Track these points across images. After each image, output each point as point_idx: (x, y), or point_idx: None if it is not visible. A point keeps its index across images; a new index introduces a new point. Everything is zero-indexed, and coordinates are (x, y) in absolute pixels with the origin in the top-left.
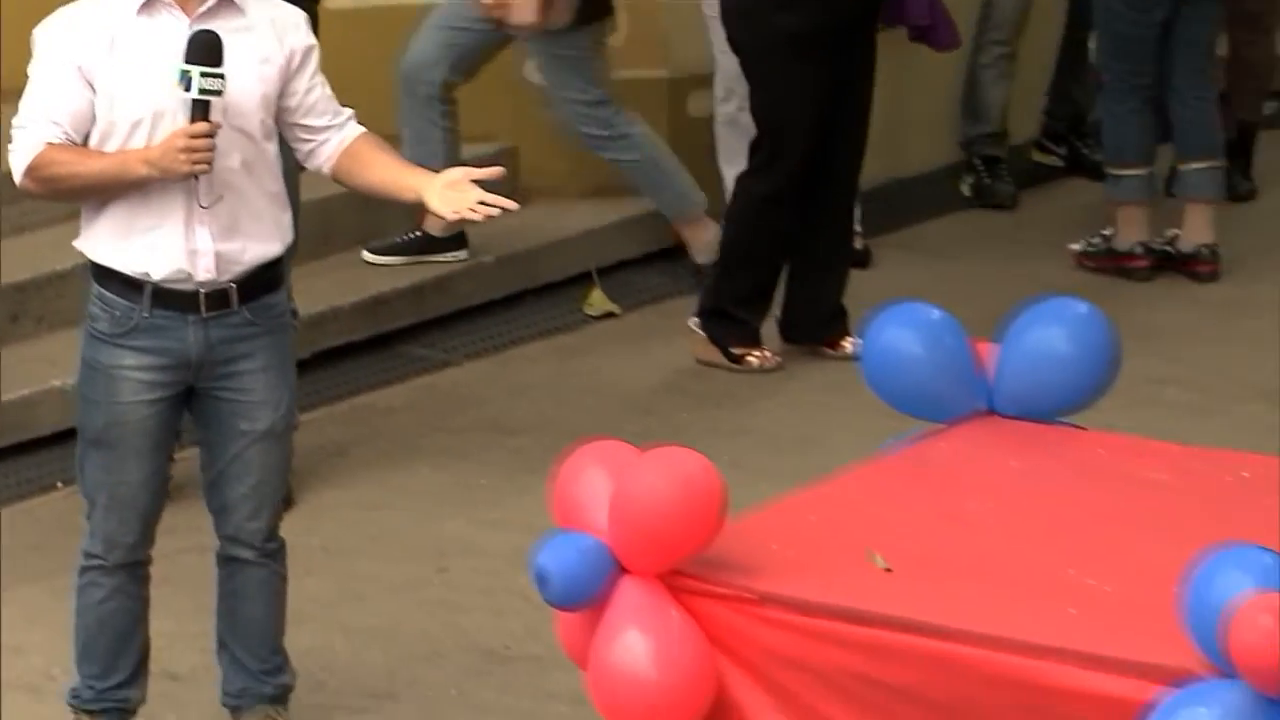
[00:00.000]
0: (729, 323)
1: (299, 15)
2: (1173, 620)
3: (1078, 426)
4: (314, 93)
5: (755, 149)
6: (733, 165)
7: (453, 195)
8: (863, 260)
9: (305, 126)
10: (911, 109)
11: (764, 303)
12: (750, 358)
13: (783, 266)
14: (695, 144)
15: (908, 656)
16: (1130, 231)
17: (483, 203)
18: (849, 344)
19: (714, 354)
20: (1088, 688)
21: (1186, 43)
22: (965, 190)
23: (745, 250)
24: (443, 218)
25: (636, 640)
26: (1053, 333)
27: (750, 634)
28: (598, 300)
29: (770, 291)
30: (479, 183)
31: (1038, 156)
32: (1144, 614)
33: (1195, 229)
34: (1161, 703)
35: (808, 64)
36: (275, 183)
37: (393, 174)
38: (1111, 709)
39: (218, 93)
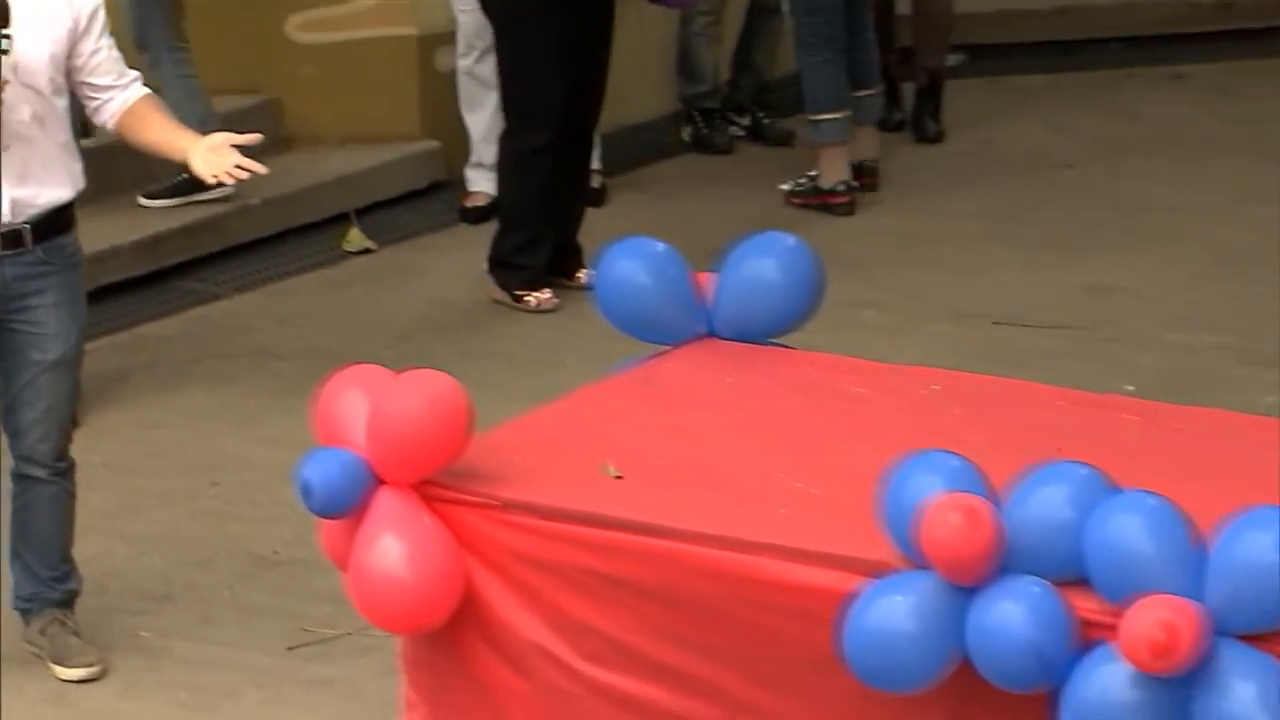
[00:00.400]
0: (511, 269)
1: None
2: (872, 519)
3: (787, 347)
4: (100, 54)
5: (508, 108)
6: (474, 113)
7: (213, 158)
8: (597, 200)
9: (91, 85)
10: (636, 62)
11: (540, 247)
12: (529, 298)
13: (551, 211)
14: (442, 96)
15: (636, 555)
16: (833, 171)
17: (239, 166)
18: (584, 275)
19: (503, 296)
20: (797, 580)
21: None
22: (686, 138)
23: (517, 201)
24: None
25: (391, 544)
26: (764, 263)
27: (496, 537)
28: (355, 238)
29: (545, 236)
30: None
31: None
32: (847, 513)
33: (863, 146)
34: (862, 592)
35: (553, 25)
36: (65, 134)
37: (166, 135)
38: (818, 598)
39: (4, 52)
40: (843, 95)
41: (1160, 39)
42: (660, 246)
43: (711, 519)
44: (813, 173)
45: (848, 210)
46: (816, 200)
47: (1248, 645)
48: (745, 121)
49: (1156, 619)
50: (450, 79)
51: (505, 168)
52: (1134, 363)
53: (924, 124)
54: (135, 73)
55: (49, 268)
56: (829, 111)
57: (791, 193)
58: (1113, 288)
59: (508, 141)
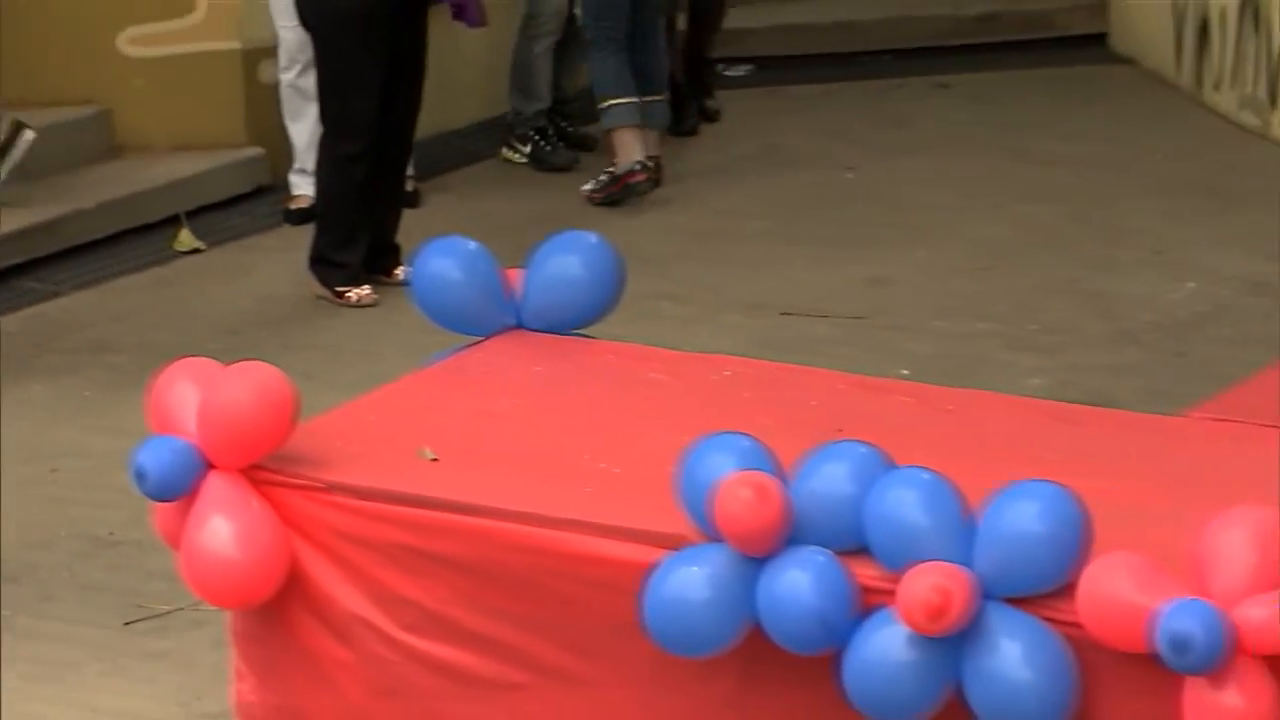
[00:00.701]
0: (331, 267)
1: None
2: (670, 495)
3: (591, 337)
4: None
5: (326, 117)
6: (296, 123)
7: None
8: (413, 202)
9: None
10: (451, 74)
11: (357, 246)
12: (350, 294)
13: (368, 213)
14: (266, 106)
15: (450, 531)
16: (627, 153)
17: None
18: (401, 272)
19: (325, 292)
20: (601, 552)
21: (648, 4)
22: (520, 159)
23: (334, 203)
24: None
25: (220, 525)
26: (568, 260)
27: (319, 517)
28: (185, 239)
29: (361, 235)
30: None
31: (504, 155)
32: (647, 490)
33: (648, 146)
34: (661, 563)
35: (368, 40)
36: None
37: None
38: (621, 570)
39: None
40: (629, 82)
41: (928, 51)
42: (472, 245)
43: (521, 497)
44: (611, 167)
45: (648, 187)
46: (617, 186)
47: (1013, 607)
48: (527, 150)
49: (930, 584)
50: (273, 90)
51: (323, 172)
52: (909, 349)
53: (705, 107)
54: None
55: None
56: (617, 96)
57: (593, 190)
58: (889, 280)
59: (326, 148)
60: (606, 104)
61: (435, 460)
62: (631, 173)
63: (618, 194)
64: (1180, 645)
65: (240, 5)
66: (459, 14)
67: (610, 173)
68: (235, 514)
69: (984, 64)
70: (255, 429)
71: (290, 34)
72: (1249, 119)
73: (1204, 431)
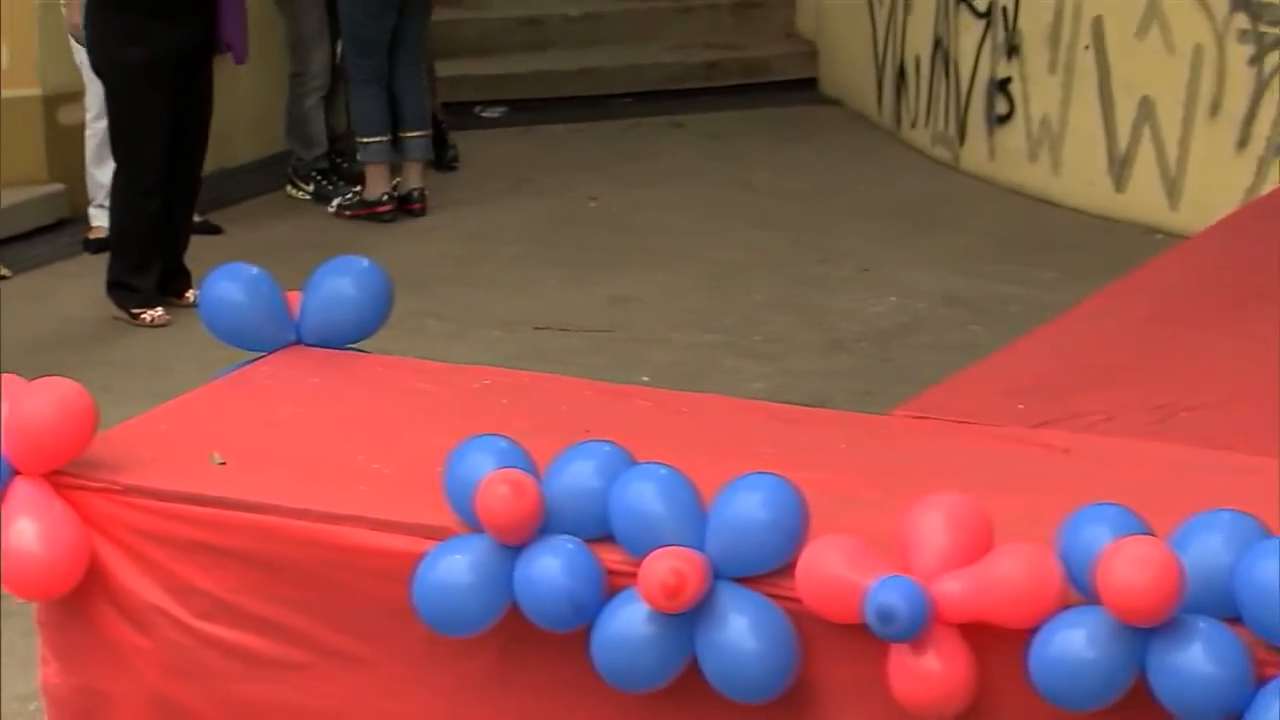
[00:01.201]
0: (126, 290)
1: None
2: (437, 492)
3: (364, 352)
4: None
5: (119, 156)
6: (99, 167)
7: None
8: (206, 230)
9: None
10: (236, 115)
11: (150, 271)
12: (144, 316)
13: (159, 241)
14: (66, 147)
15: (237, 528)
16: (376, 185)
17: None
18: (191, 295)
19: (121, 314)
20: (375, 544)
21: (406, 43)
22: (303, 196)
23: (127, 233)
24: None
25: (25, 526)
26: (343, 282)
27: (117, 517)
28: None
29: (153, 262)
30: None
31: (290, 193)
32: (416, 488)
33: (411, 179)
34: (429, 553)
35: (156, 87)
36: None
37: None
38: (394, 559)
39: None
40: (386, 121)
41: (663, 94)
42: (254, 270)
43: (302, 496)
44: (358, 188)
45: (391, 217)
46: (365, 212)
47: (741, 586)
48: (310, 188)
49: (668, 567)
50: (73, 131)
51: (117, 206)
52: (648, 358)
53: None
54: None
55: None
56: (373, 135)
57: (341, 207)
58: (630, 298)
59: (119, 183)
60: (364, 141)
61: (223, 464)
62: (379, 204)
63: (364, 217)
64: (886, 616)
65: (40, 55)
66: (229, 49)
67: (359, 195)
68: (38, 515)
69: (712, 105)
70: (56, 438)
71: (97, 85)
72: (941, 153)
73: (906, 428)
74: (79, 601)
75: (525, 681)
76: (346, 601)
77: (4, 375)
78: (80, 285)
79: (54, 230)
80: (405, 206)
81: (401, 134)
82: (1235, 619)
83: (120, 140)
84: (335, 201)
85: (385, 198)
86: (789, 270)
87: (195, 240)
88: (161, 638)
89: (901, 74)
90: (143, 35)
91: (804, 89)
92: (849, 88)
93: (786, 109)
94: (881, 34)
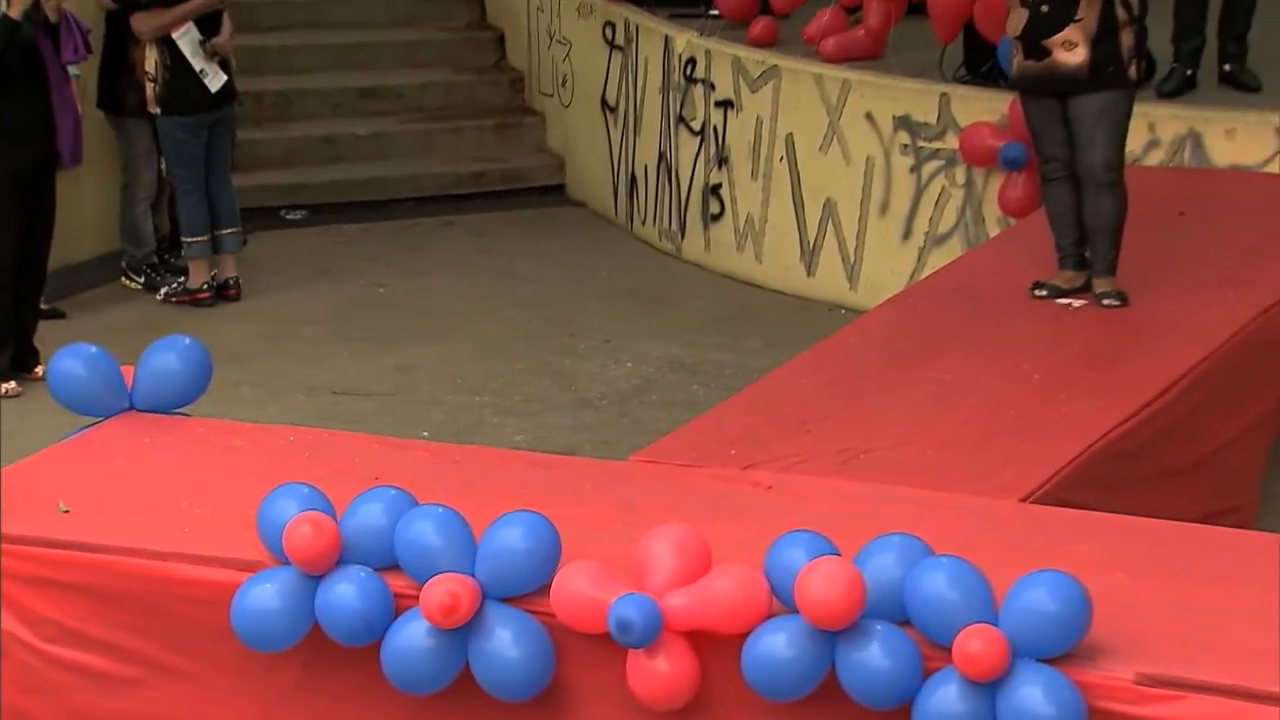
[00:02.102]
0: None
1: None
2: (252, 532)
3: (187, 415)
4: None
5: None
6: None
7: None
8: (52, 315)
9: None
10: (75, 218)
11: (2, 352)
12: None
13: (11, 327)
14: None
15: (80, 565)
16: (198, 276)
17: None
18: (40, 370)
19: None
20: (198, 577)
21: (218, 157)
22: (137, 286)
23: None
24: None
25: None
26: (169, 356)
27: None
28: None
29: (5, 344)
30: None
31: (124, 284)
32: (233, 528)
33: (227, 269)
34: (244, 582)
35: (8, 198)
36: None
37: None
38: (214, 589)
39: None
40: (206, 223)
41: (438, 198)
42: (93, 348)
43: (134, 536)
44: (183, 279)
45: (210, 303)
46: (189, 299)
47: (506, 605)
48: (141, 280)
49: (444, 590)
50: None
51: None
52: (427, 417)
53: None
54: None
55: None
56: (196, 235)
57: (168, 295)
58: (412, 366)
59: None
60: (188, 240)
61: (68, 512)
62: (200, 291)
63: (188, 303)
64: (624, 627)
65: None
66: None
67: (184, 286)
68: None
69: (479, 208)
70: None
71: None
72: (666, 245)
73: (641, 471)
74: None
75: (326, 689)
76: (173, 625)
77: None
78: None
79: None
80: (223, 293)
81: (218, 232)
82: (906, 622)
83: None
84: (163, 290)
85: (205, 286)
86: (543, 342)
87: (42, 324)
88: (16, 660)
89: (633, 181)
90: None
91: (554, 194)
92: (591, 192)
93: (540, 210)
94: (616, 149)
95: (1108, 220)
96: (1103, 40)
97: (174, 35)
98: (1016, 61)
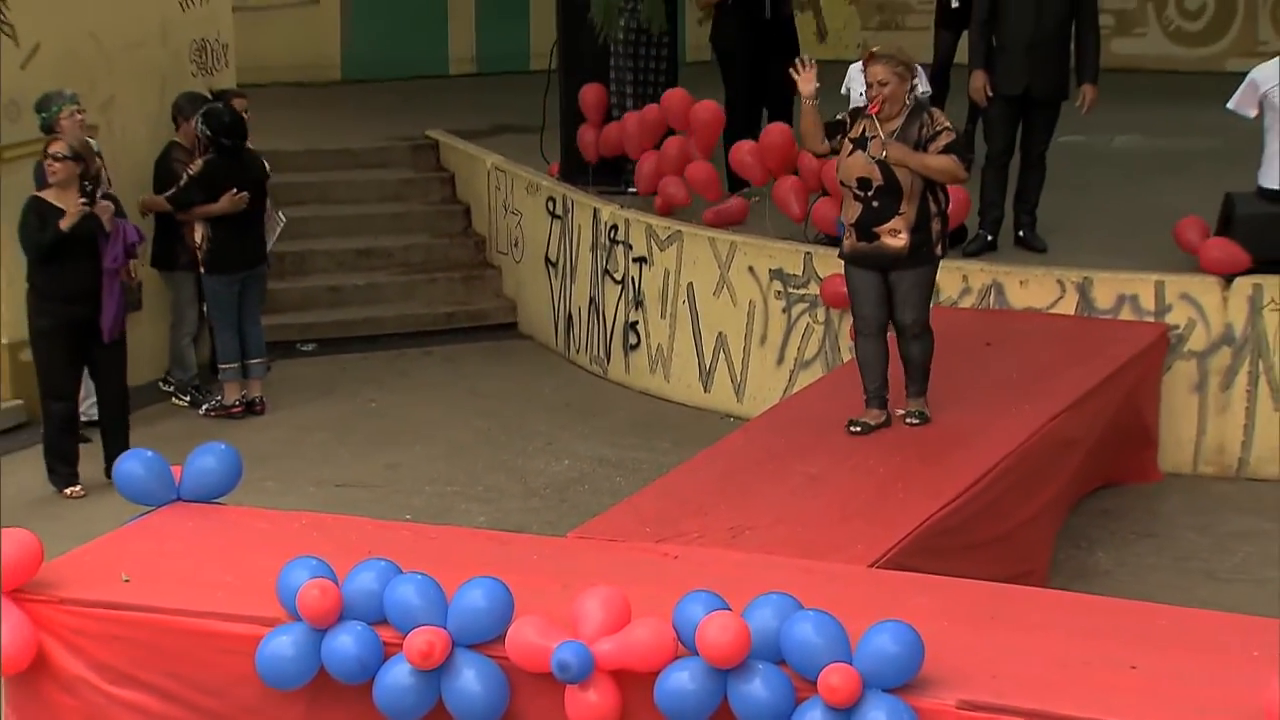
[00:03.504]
0: (55, 474)
1: None
2: (272, 594)
3: (223, 505)
4: None
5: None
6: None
7: None
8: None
9: None
10: (140, 351)
11: (69, 461)
12: (66, 491)
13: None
14: (28, 376)
15: (136, 623)
16: (231, 395)
17: None
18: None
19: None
20: (229, 631)
21: (250, 302)
22: (185, 404)
23: (50, 439)
24: None
25: None
26: (209, 458)
27: (55, 619)
28: None
29: (70, 456)
30: None
31: (174, 402)
32: (258, 592)
33: (254, 390)
34: (266, 635)
35: (61, 340)
36: None
37: None
38: (242, 641)
39: None
40: (237, 352)
41: (419, 334)
42: (150, 453)
43: (180, 600)
44: (219, 398)
45: (241, 416)
46: (224, 413)
47: (471, 650)
48: (187, 399)
49: (423, 639)
50: (28, 366)
51: (48, 427)
52: (410, 504)
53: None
54: None
55: None
56: (228, 363)
57: (208, 410)
58: (398, 464)
59: (45, 411)
60: (223, 366)
61: (128, 581)
62: (233, 407)
63: (223, 417)
64: (563, 667)
65: (7, 315)
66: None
67: (220, 404)
68: (3, 620)
69: (451, 340)
70: (15, 566)
71: None
72: (596, 369)
73: (577, 545)
74: (30, 675)
75: (330, 718)
76: (208, 671)
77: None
78: (34, 469)
79: (13, 432)
80: (252, 409)
81: (248, 361)
82: (782, 661)
83: (41, 383)
84: (203, 407)
85: (237, 403)
86: (500, 445)
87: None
88: (83, 698)
89: (570, 319)
90: (47, 311)
91: (508, 330)
92: (537, 329)
93: (498, 342)
94: (556, 294)
95: (919, 360)
96: (919, 228)
97: (269, 224)
98: (849, 242)
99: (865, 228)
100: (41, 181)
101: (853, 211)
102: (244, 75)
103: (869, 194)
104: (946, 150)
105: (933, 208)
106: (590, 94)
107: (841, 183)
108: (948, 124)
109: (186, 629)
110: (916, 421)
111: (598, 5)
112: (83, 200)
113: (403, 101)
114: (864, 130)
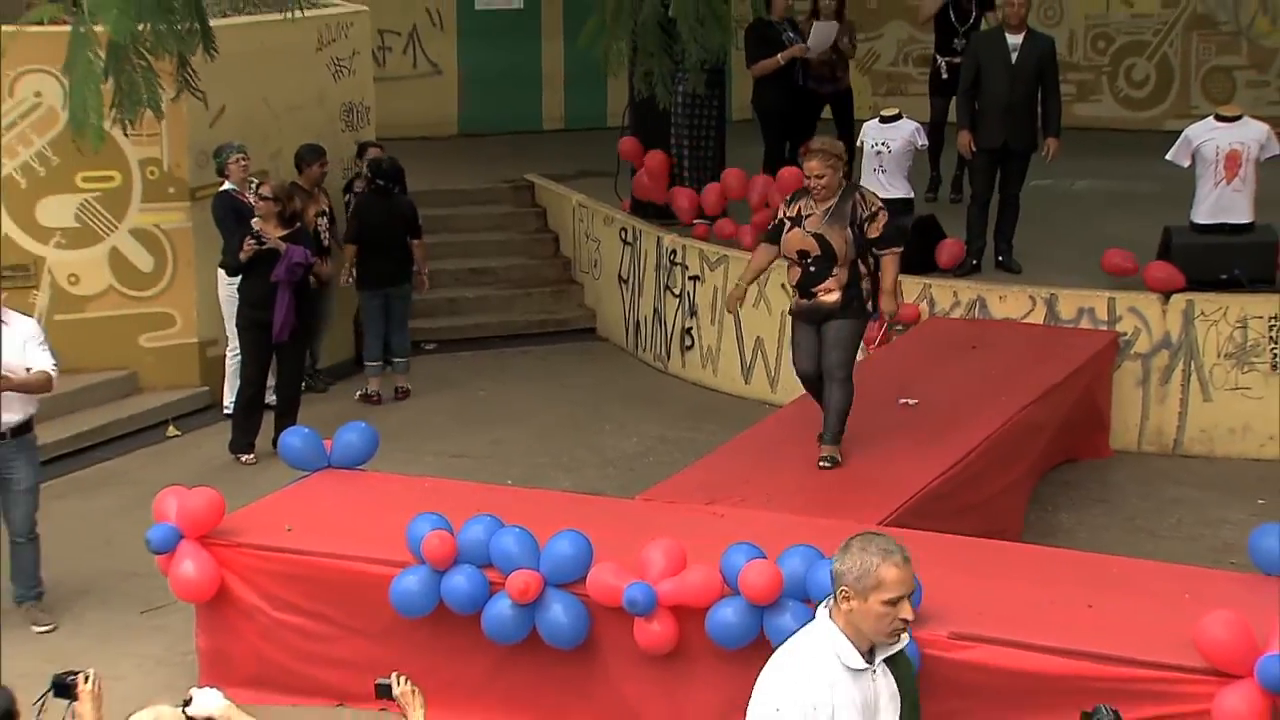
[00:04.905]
0: (235, 444)
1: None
2: (403, 542)
3: (365, 470)
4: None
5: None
6: (229, 381)
7: None
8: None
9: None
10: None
11: (248, 433)
12: (242, 457)
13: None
14: (214, 368)
15: (299, 564)
16: (374, 386)
17: None
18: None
19: (233, 456)
20: (369, 571)
21: (396, 312)
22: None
23: (237, 415)
24: None
25: (188, 564)
26: (353, 434)
27: (235, 559)
28: (172, 430)
29: (250, 428)
30: None
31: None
32: (393, 540)
33: (398, 381)
34: (398, 574)
35: (250, 340)
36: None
37: None
38: (381, 579)
39: None
40: (378, 354)
41: (518, 337)
42: (306, 430)
43: (333, 545)
44: (365, 389)
45: (379, 402)
46: (366, 400)
47: (560, 589)
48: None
49: (521, 579)
50: (216, 360)
51: (238, 404)
52: (510, 472)
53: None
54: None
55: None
56: (372, 361)
57: (361, 396)
58: (502, 440)
59: (239, 389)
60: (368, 363)
61: (291, 530)
62: (374, 396)
63: (369, 404)
64: (632, 603)
65: (197, 318)
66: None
67: (365, 393)
68: (194, 559)
69: (543, 343)
70: (203, 517)
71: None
72: (659, 365)
73: (644, 506)
74: (215, 603)
75: (447, 641)
76: (354, 601)
77: (177, 488)
78: (217, 440)
79: (201, 412)
80: (398, 396)
81: (393, 358)
82: (809, 599)
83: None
84: (356, 394)
85: (376, 393)
86: (582, 425)
87: (268, 415)
88: (256, 622)
89: (638, 325)
90: (241, 314)
91: (589, 334)
92: (612, 333)
93: (580, 344)
94: (627, 306)
95: (838, 404)
96: (850, 287)
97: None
98: (795, 300)
99: (805, 288)
100: (219, 210)
101: (794, 275)
102: (382, 130)
103: (807, 262)
104: (883, 237)
105: (862, 269)
106: (627, 144)
107: (783, 255)
108: (880, 204)
109: (336, 568)
110: (828, 465)
111: (654, 77)
112: (251, 239)
113: (506, 151)
114: (800, 210)
